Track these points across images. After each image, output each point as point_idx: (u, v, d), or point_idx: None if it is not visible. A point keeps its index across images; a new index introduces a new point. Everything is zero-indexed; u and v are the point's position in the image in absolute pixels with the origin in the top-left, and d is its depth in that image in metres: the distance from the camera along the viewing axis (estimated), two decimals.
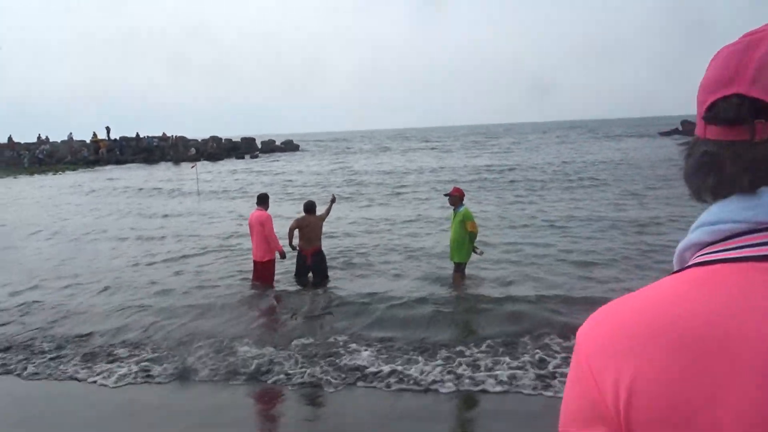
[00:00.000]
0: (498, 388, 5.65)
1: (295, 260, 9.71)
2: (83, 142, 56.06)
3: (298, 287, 9.51)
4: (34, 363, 6.85)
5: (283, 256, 9.36)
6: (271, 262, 9.41)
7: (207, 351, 6.84)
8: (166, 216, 19.34)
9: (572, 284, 9.06)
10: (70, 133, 56.44)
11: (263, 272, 9.42)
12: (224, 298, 9.08)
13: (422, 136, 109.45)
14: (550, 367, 5.98)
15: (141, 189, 28.21)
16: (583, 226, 13.65)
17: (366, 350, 6.74)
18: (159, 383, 6.23)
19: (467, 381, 5.84)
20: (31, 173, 45.23)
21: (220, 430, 5.22)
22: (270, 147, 63.10)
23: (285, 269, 9.90)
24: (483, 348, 6.61)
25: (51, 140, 55.89)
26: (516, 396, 5.52)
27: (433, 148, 59.24)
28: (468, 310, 8.02)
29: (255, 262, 9.48)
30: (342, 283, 9.62)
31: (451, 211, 8.89)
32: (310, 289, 9.34)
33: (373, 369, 6.20)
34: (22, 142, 54.79)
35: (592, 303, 7.86)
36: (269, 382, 6.09)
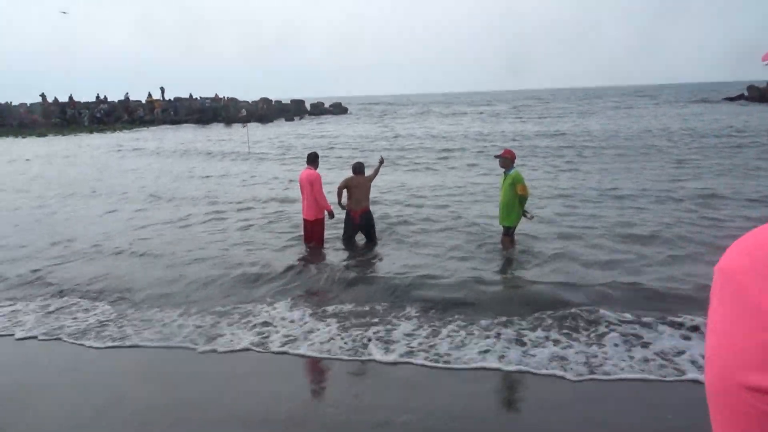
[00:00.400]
0: (544, 371, 5.15)
1: (343, 220, 9.82)
2: (139, 102, 57.52)
3: (346, 248, 9.57)
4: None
5: (331, 215, 9.45)
6: (320, 221, 9.52)
7: (241, 318, 6.70)
8: (212, 176, 19.66)
9: (624, 259, 8.44)
10: (127, 93, 58.01)
11: (313, 231, 9.55)
12: (272, 258, 9.19)
13: (470, 100, 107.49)
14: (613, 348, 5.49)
15: (188, 150, 28.49)
16: (638, 197, 12.81)
17: (409, 320, 6.47)
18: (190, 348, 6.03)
19: (514, 359, 5.40)
20: (90, 131, 46.84)
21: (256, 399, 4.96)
22: (319, 109, 63.40)
23: (334, 228, 10.00)
24: (532, 321, 6.22)
25: (109, 100, 57.51)
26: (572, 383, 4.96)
27: (480, 113, 57.96)
28: (516, 278, 7.85)
29: (305, 221, 9.61)
30: (387, 248, 9.55)
31: (501, 173, 8.71)
32: (357, 251, 9.40)
33: (416, 342, 5.82)
34: (82, 101, 56.58)
35: (639, 274, 7.55)
36: (306, 352, 5.74)
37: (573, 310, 6.35)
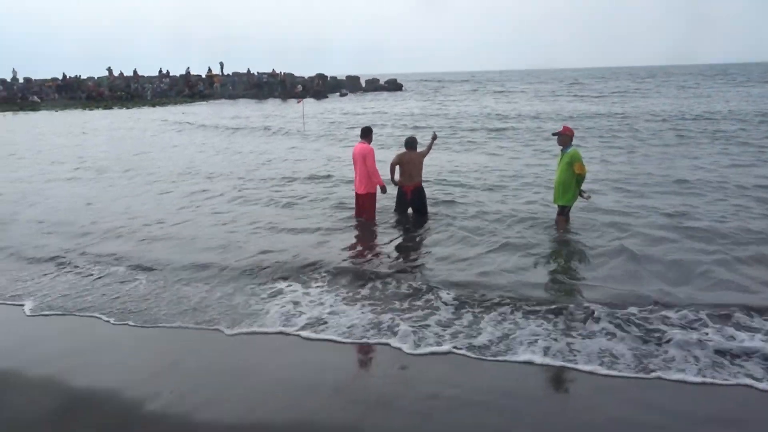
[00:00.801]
0: (588, 368, 4.83)
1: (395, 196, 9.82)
2: (199, 76, 58.80)
3: (396, 224, 9.54)
4: None
5: (383, 190, 9.44)
6: (372, 196, 9.53)
7: (289, 298, 6.53)
8: (263, 153, 19.91)
9: (687, 258, 7.49)
10: (188, 68, 59.37)
11: (364, 205, 9.58)
12: (321, 232, 9.23)
13: (525, 78, 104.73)
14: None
15: (243, 126, 28.51)
16: (701, 190, 11.54)
17: (452, 302, 6.21)
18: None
19: (559, 354, 5.03)
20: (153, 105, 48.34)
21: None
22: (374, 86, 63.21)
23: (386, 203, 10.03)
24: (583, 311, 5.87)
25: (170, 74, 59.04)
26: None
27: (536, 91, 56.31)
28: (570, 260, 7.62)
29: (357, 195, 9.66)
30: (436, 225, 9.44)
31: (558, 151, 8.49)
32: (407, 228, 9.35)
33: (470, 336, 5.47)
34: (146, 75, 58.31)
35: (702, 272, 6.90)
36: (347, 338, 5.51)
37: (631, 309, 5.88)
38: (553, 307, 6.03)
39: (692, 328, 5.47)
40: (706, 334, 5.34)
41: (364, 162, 9.20)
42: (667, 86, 57.24)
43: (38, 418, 4.37)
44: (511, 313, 5.97)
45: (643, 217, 9.54)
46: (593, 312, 5.83)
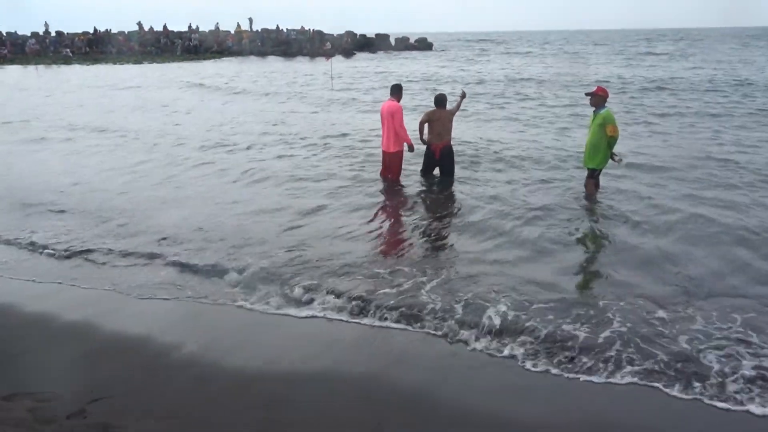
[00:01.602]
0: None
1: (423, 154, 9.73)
2: (228, 32, 58.50)
3: (423, 183, 9.49)
4: None
5: (411, 148, 9.36)
6: (399, 154, 9.45)
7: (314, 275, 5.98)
8: (295, 112, 19.90)
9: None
10: (217, 24, 59.08)
11: (391, 163, 9.52)
12: (346, 193, 9.14)
13: (565, 38, 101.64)
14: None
15: (274, 92, 27.43)
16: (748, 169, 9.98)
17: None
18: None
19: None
20: (182, 60, 48.42)
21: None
22: (403, 44, 62.17)
23: (414, 162, 9.99)
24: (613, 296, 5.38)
25: (200, 30, 58.83)
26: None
27: (574, 53, 54.56)
28: (599, 233, 7.19)
29: (384, 153, 9.58)
30: (464, 187, 9.30)
31: (591, 112, 8.29)
32: (433, 188, 9.27)
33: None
34: (175, 30, 58.23)
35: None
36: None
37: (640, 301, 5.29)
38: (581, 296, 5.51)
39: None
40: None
41: (392, 120, 9.11)
42: (721, 47, 54.64)
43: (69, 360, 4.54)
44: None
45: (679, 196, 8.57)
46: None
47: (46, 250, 6.89)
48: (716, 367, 4.30)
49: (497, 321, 4.95)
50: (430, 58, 49.91)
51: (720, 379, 4.17)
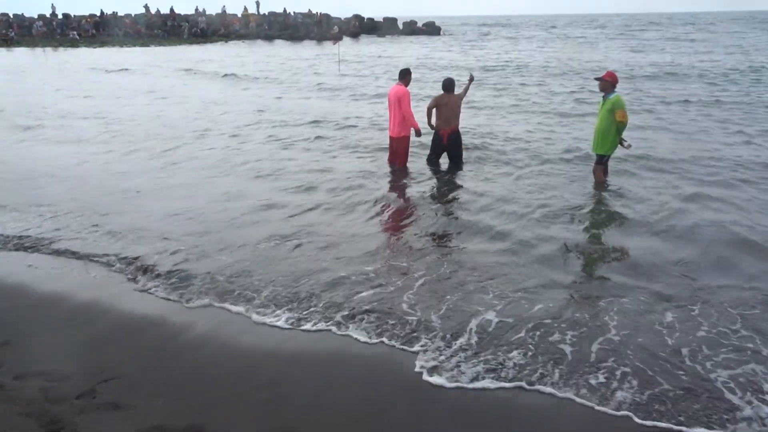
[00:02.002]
0: None
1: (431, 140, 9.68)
2: (235, 15, 58.23)
3: (430, 170, 9.44)
4: None
5: (418, 133, 9.31)
6: (406, 139, 9.41)
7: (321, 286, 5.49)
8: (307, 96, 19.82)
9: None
10: (224, 7, 58.80)
11: (398, 148, 9.47)
12: (348, 182, 9.00)
13: (577, 21, 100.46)
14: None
15: (291, 77, 27.02)
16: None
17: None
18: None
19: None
20: (189, 43, 48.30)
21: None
22: (411, 29, 61.68)
23: (421, 146, 9.95)
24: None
25: (206, 13, 58.60)
26: None
27: (581, 37, 53.94)
28: (608, 221, 7.16)
29: (390, 138, 9.55)
30: (470, 174, 9.27)
31: (600, 97, 8.22)
32: (441, 176, 9.19)
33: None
34: (182, 13, 57.97)
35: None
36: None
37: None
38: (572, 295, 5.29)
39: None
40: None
41: (399, 104, 9.06)
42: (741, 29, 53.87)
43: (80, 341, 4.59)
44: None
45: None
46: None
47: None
48: (734, 399, 3.79)
49: (474, 340, 4.46)
50: (435, 42, 49.52)
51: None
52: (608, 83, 7.95)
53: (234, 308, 5.04)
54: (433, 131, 9.55)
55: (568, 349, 4.36)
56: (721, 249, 6.20)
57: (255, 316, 4.89)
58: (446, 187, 8.71)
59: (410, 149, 9.65)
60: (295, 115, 15.14)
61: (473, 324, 4.70)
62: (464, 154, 9.90)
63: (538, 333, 4.58)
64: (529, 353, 4.30)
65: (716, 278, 5.54)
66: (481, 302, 5.06)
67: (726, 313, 4.88)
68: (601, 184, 8.45)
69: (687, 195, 8.04)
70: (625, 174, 9.02)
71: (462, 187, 8.64)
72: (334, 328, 4.68)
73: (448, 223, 7.17)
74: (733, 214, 7.23)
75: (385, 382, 4.04)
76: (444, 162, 9.65)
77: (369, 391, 3.93)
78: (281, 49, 42.90)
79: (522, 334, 4.56)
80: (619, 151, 8.40)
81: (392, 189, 8.70)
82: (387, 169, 9.59)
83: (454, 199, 8.16)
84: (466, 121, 11.34)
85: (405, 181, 9.04)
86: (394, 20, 62.52)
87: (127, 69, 28.51)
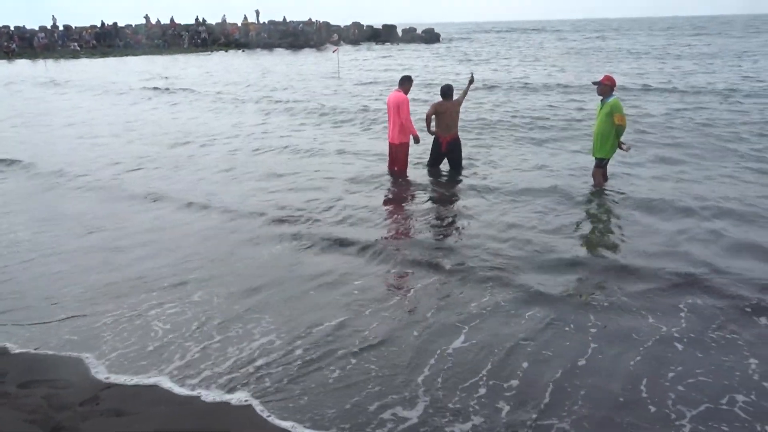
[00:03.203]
0: None
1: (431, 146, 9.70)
2: (235, 24, 58.54)
3: (429, 176, 9.43)
4: None
5: (417, 140, 9.33)
6: (405, 146, 9.42)
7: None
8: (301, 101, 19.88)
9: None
10: (224, 16, 59.12)
11: (397, 155, 9.48)
12: (347, 185, 9.08)
13: (581, 26, 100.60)
14: None
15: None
16: None
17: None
18: None
19: None
20: (189, 52, 48.59)
21: None
22: (410, 36, 61.93)
23: (421, 152, 9.98)
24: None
25: (207, 22, 58.90)
26: None
27: (587, 48, 54.01)
28: (608, 223, 7.23)
29: (390, 144, 9.55)
30: (470, 179, 9.26)
31: (598, 101, 8.26)
32: (440, 182, 9.18)
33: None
34: (182, 23, 58.29)
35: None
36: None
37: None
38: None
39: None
40: None
41: (398, 111, 9.09)
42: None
43: None
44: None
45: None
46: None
47: None
48: None
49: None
50: (430, 51, 49.59)
51: None
52: (606, 87, 7.99)
53: None
54: (433, 138, 9.58)
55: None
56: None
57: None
58: (446, 193, 8.64)
59: (411, 157, 9.64)
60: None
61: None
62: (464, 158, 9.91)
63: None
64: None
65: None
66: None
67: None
68: (600, 187, 8.47)
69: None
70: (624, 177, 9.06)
71: (460, 193, 8.60)
72: None
73: (440, 236, 6.94)
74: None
75: None
76: (443, 170, 9.63)
77: None
78: (275, 57, 42.96)
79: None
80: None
81: (392, 199, 8.63)
82: (389, 177, 9.47)
83: (451, 208, 7.97)
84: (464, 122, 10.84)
85: (405, 188, 9.03)
86: (393, 27, 62.78)
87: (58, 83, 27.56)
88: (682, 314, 4.88)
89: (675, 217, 7.26)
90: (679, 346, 4.41)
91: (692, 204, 7.63)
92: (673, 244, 6.42)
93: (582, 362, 4.22)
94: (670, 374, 4.06)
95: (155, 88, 23.95)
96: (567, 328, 4.70)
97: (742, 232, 6.68)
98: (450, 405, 3.78)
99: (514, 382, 4.01)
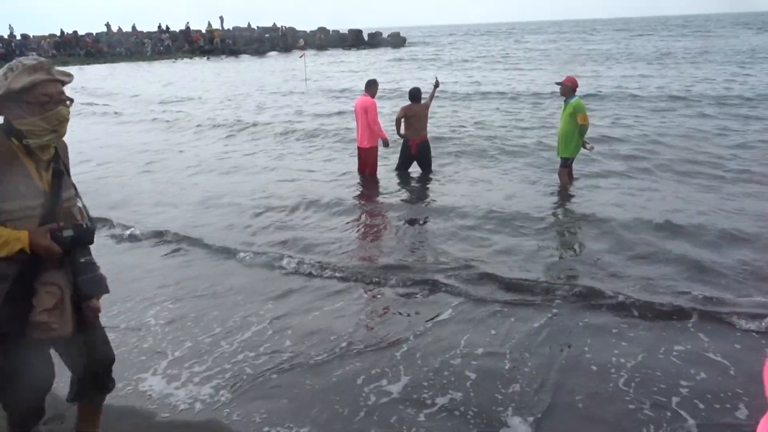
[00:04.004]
0: None
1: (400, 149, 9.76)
2: (199, 31, 57.88)
3: (399, 178, 9.51)
4: None
5: (386, 143, 9.40)
6: (374, 149, 9.47)
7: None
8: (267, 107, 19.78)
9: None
10: (187, 23, 58.42)
11: (366, 159, 9.53)
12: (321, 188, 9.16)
13: (559, 28, 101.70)
14: None
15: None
16: None
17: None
18: None
19: None
20: (153, 60, 47.84)
21: None
22: (376, 40, 62.13)
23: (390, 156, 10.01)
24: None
25: (170, 29, 58.11)
26: None
27: (559, 50, 54.67)
28: (574, 219, 7.40)
29: (359, 149, 9.61)
30: (440, 181, 9.40)
31: (561, 102, 8.41)
32: (411, 184, 9.28)
33: None
34: (145, 30, 57.45)
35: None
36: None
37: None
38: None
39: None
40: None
41: (366, 115, 9.12)
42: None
43: None
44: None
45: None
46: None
47: None
48: None
49: None
50: (394, 53, 49.83)
51: None
52: (568, 88, 8.15)
53: None
54: (403, 141, 9.63)
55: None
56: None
57: None
58: (416, 190, 8.91)
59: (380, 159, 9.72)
60: None
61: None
62: (435, 158, 10.04)
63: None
64: None
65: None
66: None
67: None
68: (566, 187, 8.61)
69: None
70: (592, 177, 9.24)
71: (430, 193, 8.82)
72: None
73: (402, 235, 7.06)
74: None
75: None
76: (412, 172, 9.74)
77: None
78: (232, 64, 42.64)
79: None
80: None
81: (363, 198, 8.81)
82: (359, 178, 9.62)
83: (421, 207, 8.16)
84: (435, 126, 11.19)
85: (376, 189, 9.14)
86: (359, 32, 62.88)
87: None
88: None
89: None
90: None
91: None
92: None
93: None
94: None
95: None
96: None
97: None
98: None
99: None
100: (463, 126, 14.19)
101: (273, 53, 52.12)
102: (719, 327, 4.66)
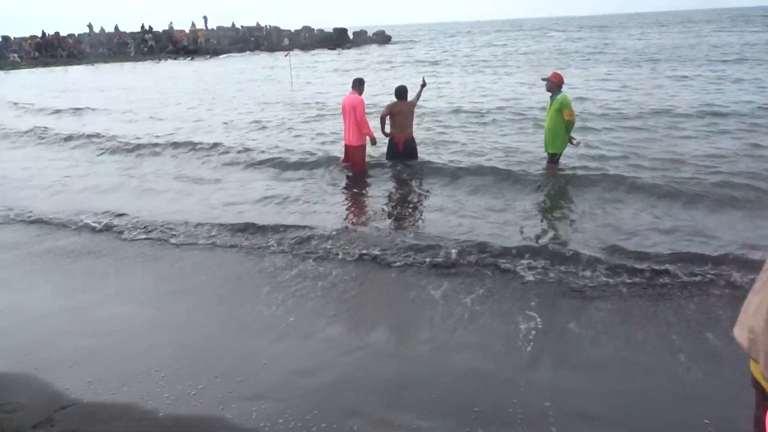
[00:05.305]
0: None
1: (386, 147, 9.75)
2: (182, 31, 57.51)
3: (387, 174, 9.45)
4: None
5: (373, 141, 9.39)
6: (362, 148, 9.46)
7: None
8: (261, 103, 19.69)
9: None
10: (171, 23, 58.04)
11: (354, 156, 9.52)
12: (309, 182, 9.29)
13: (541, 25, 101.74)
14: None
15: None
16: None
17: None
18: None
19: None
20: (137, 61, 47.43)
21: None
22: (362, 38, 62.07)
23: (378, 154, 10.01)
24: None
25: (153, 30, 57.64)
26: None
27: (556, 49, 54.70)
28: (561, 215, 7.49)
29: (346, 146, 9.60)
30: (426, 178, 9.36)
31: (547, 98, 8.45)
32: (396, 180, 9.27)
33: None
34: (128, 31, 56.93)
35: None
36: None
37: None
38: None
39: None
40: None
41: (354, 113, 9.11)
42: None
43: None
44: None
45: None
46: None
47: None
48: None
49: None
50: (382, 52, 49.77)
51: None
52: (554, 84, 8.18)
53: None
54: (389, 138, 9.63)
55: None
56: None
57: None
58: (401, 187, 8.93)
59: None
60: None
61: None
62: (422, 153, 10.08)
63: None
64: None
65: None
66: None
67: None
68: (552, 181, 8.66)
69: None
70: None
71: (415, 187, 8.90)
72: None
73: (387, 233, 6.98)
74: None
75: None
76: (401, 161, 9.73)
77: None
78: (212, 64, 42.40)
79: None
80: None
81: (347, 190, 9.00)
82: (342, 169, 9.76)
83: (405, 203, 8.31)
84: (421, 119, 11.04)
85: (362, 186, 9.14)
86: (344, 30, 62.73)
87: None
88: None
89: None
90: None
91: None
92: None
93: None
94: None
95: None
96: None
97: None
98: None
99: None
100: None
101: (258, 53, 51.78)
102: None
